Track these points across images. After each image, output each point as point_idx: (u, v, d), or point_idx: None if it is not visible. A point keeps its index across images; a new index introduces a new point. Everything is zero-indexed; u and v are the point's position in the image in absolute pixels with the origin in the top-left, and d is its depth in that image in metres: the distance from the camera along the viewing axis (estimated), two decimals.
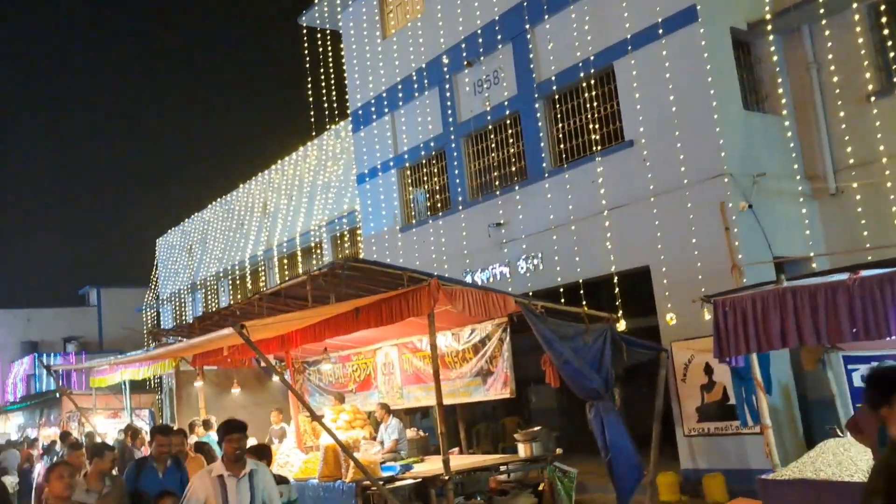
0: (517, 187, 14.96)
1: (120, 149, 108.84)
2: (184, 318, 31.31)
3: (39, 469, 19.60)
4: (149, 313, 34.07)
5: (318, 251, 23.14)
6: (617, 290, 12.86)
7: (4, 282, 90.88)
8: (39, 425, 25.18)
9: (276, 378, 13.67)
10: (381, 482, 10.02)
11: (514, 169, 15.30)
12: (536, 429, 11.72)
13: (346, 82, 19.46)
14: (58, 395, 22.36)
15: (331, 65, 19.01)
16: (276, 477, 6.78)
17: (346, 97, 19.53)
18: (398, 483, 10.28)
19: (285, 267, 24.61)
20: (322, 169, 22.82)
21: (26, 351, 45.11)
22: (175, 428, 13.18)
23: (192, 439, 13.54)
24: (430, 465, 11.40)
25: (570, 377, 11.01)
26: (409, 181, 17.81)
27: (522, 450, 11.59)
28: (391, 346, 14.17)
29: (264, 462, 6.55)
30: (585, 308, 11.68)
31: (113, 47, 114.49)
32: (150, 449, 7.64)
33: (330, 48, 19.17)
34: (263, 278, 25.66)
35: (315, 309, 10.29)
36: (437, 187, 17.06)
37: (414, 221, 17.42)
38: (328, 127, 21.18)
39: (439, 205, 16.90)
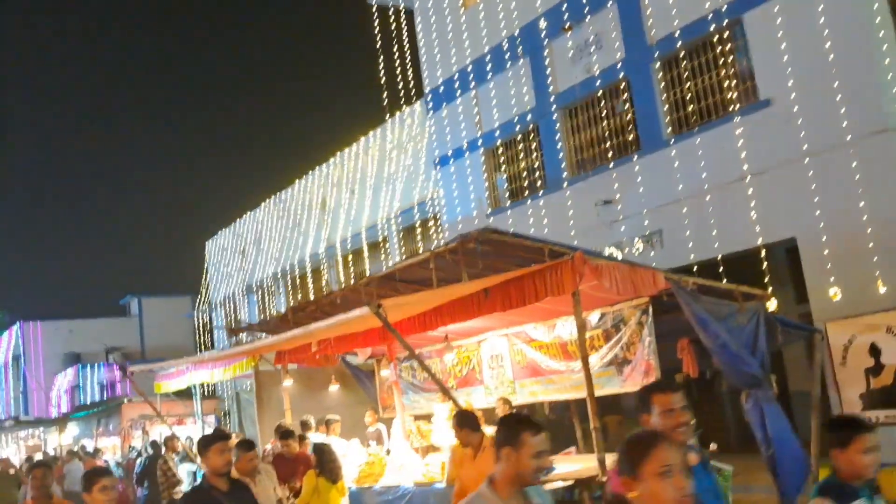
0: (630, 159, 13.60)
1: (158, 159, 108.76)
2: (238, 322, 30.22)
3: None
4: (200, 318, 33.00)
5: (385, 246, 21.94)
6: (765, 265, 11.45)
7: (46, 294, 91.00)
8: (96, 435, 24.14)
9: (385, 373, 12.38)
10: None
11: (623, 140, 13.95)
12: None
13: (418, 62, 18.20)
14: (126, 400, 21.25)
15: (405, 44, 17.72)
16: None
17: (415, 79, 18.28)
18: (548, 486, 8.94)
19: (350, 264, 23.39)
20: (387, 159, 21.60)
21: (69, 362, 44.60)
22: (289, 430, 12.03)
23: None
24: (569, 466, 10.09)
25: (728, 363, 9.67)
26: (501, 160, 16.47)
27: None
28: (499, 336, 12.83)
29: None
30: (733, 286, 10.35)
31: (155, 36, 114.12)
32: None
33: (405, 26, 17.87)
34: (326, 277, 24.47)
35: (446, 288, 8.98)
36: (532, 165, 15.73)
37: (508, 203, 16.07)
38: (400, 110, 19.96)
39: (538, 183, 15.55)
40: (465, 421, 7.53)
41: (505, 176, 16.36)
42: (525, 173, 15.74)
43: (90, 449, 22.13)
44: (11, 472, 13.51)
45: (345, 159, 23.60)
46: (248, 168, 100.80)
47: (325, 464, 8.54)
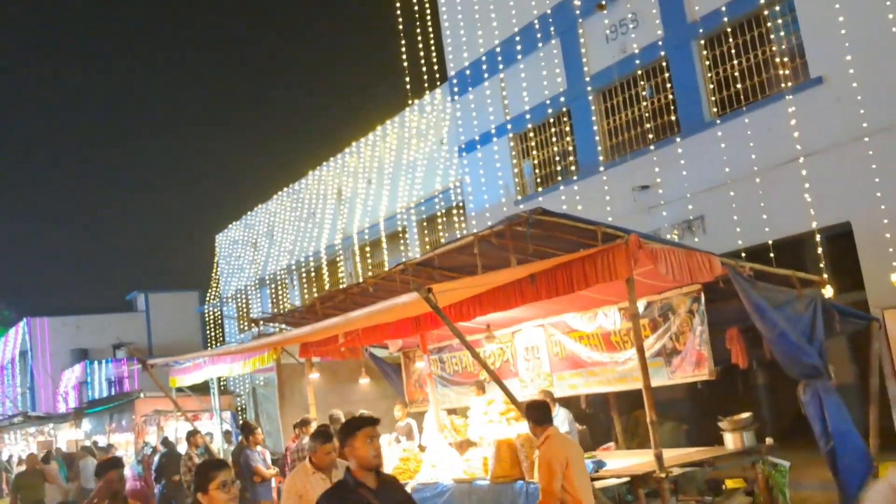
0: (670, 142, 13.04)
1: (165, 152, 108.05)
2: (249, 315, 29.73)
3: (129, 475, 18.13)
4: (211, 312, 32.47)
5: (404, 236, 21.42)
6: (819, 251, 10.89)
7: (53, 290, 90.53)
8: (108, 431, 23.59)
9: (420, 364, 11.79)
10: None
11: (662, 122, 13.39)
12: (745, 415, 9.78)
13: (441, 46, 17.60)
14: (143, 395, 20.72)
15: (428, 27, 17.13)
16: None
17: (439, 63, 17.70)
18: (603, 483, 8.41)
19: (368, 256, 22.87)
20: (406, 147, 21.06)
21: (77, 358, 44.16)
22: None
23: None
24: (621, 462, 9.56)
25: (786, 353, 9.17)
26: (531, 145, 15.89)
27: (731, 441, 9.66)
28: (535, 326, 12.28)
29: None
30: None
31: (164, 21, 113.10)
32: None
33: (427, 8, 17.28)
34: (342, 269, 23.94)
35: (496, 273, 8.44)
36: (563, 150, 15.16)
37: (540, 189, 15.48)
38: (421, 96, 19.43)
39: (571, 169, 14.98)
40: (527, 411, 7.09)
41: (535, 162, 15.78)
42: (557, 158, 15.17)
43: (102, 445, 21.61)
44: (38, 468, 12.92)
45: (361, 148, 23.10)
46: (259, 160, 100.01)
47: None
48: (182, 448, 19.64)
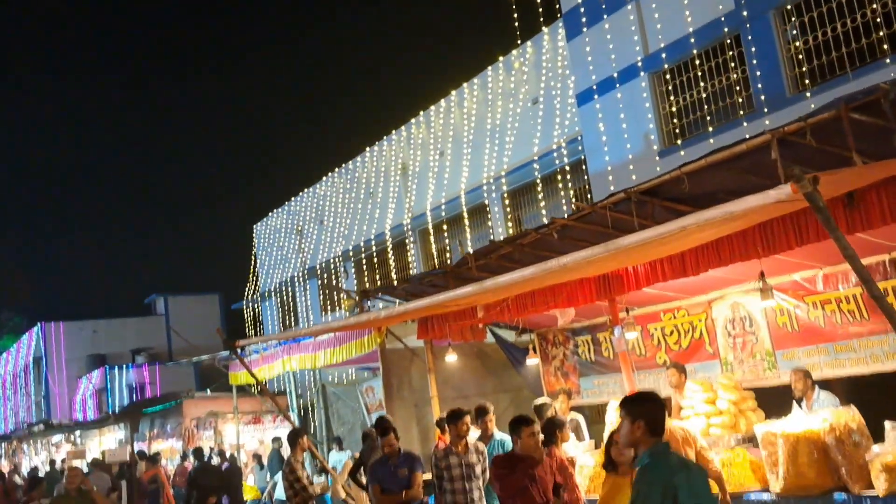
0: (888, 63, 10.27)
1: (185, 150, 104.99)
2: (295, 310, 26.98)
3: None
4: (253, 309, 29.71)
5: (488, 210, 18.70)
6: None
7: (69, 294, 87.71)
8: (150, 438, 20.78)
9: (630, 335, 8.85)
10: None
11: (870, 41, 10.61)
12: None
13: None
14: (197, 391, 17.94)
15: None
16: None
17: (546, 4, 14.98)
18: None
19: (445, 235, 20.10)
20: (489, 110, 18.38)
21: (94, 364, 41.68)
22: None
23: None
24: None
25: None
26: (678, 84, 13.06)
27: None
28: (744, 293, 9.44)
29: None
30: None
31: None
32: None
33: None
34: (412, 252, 21.18)
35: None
36: (727, 85, 12.37)
37: (711, 128, 12.51)
38: (524, 39, 16.77)
39: (740, 106, 12.12)
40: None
41: (699, 97, 12.91)
42: (738, 88, 12.28)
43: (153, 454, 18.78)
44: (85, 486, 9.57)
45: (431, 117, 20.40)
46: (285, 147, 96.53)
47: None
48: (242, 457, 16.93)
